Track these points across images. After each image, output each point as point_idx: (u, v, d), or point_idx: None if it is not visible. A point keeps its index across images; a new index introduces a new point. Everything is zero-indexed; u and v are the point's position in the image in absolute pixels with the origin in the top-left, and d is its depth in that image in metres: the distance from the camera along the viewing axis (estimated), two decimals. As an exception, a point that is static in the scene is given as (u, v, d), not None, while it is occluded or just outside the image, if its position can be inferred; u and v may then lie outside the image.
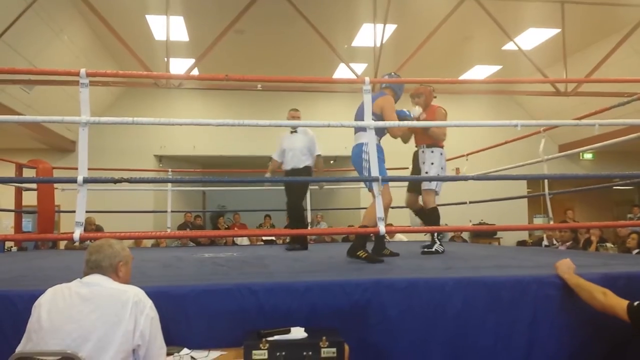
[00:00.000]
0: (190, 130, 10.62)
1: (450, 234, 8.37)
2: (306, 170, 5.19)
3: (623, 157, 11.01)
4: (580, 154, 11.30)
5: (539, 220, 11.83)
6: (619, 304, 2.25)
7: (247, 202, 9.90)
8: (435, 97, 4.38)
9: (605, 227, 7.37)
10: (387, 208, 3.57)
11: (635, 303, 2.21)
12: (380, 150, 3.70)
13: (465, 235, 10.26)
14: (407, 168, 4.91)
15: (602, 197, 13.12)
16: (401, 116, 3.92)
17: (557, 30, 8.32)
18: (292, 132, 5.25)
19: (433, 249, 4.13)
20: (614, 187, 8.96)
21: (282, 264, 3.68)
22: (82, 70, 2.86)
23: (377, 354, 2.34)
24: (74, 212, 2.83)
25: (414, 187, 4.48)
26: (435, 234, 4.24)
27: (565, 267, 2.49)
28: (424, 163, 4.27)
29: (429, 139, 4.23)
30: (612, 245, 6.60)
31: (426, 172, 4.22)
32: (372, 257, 3.53)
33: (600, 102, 4.90)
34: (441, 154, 4.25)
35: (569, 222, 7.83)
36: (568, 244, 6.77)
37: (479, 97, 11.02)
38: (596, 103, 5.21)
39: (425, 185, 4.23)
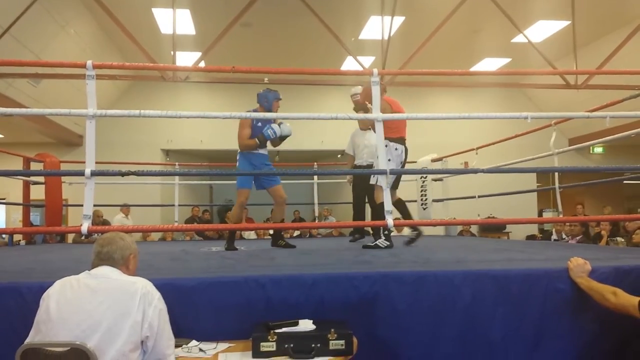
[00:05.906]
0: (197, 124, 10.62)
1: (459, 228, 8.33)
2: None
3: (634, 151, 10.88)
4: (591, 148, 11.18)
5: (548, 215, 11.75)
6: (630, 302, 2.23)
7: (254, 196, 9.87)
8: (385, 91, 4.20)
9: (615, 220, 7.31)
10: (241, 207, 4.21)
11: None
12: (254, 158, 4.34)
13: (473, 229, 10.22)
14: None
15: (613, 191, 13.01)
16: (264, 134, 4.19)
17: (567, 23, 8.22)
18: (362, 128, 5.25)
19: (373, 244, 4.08)
20: (625, 182, 8.86)
21: (289, 257, 3.68)
22: (89, 62, 2.87)
23: (385, 347, 2.33)
24: (81, 205, 2.84)
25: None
26: (381, 229, 4.16)
27: (579, 270, 2.41)
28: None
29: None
30: (623, 240, 6.54)
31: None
32: (287, 244, 4.49)
33: (610, 96, 4.83)
34: (386, 146, 3.88)
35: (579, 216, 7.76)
36: (578, 238, 6.71)
37: (488, 91, 10.90)
38: (606, 97, 5.14)
39: (371, 181, 4.13)
